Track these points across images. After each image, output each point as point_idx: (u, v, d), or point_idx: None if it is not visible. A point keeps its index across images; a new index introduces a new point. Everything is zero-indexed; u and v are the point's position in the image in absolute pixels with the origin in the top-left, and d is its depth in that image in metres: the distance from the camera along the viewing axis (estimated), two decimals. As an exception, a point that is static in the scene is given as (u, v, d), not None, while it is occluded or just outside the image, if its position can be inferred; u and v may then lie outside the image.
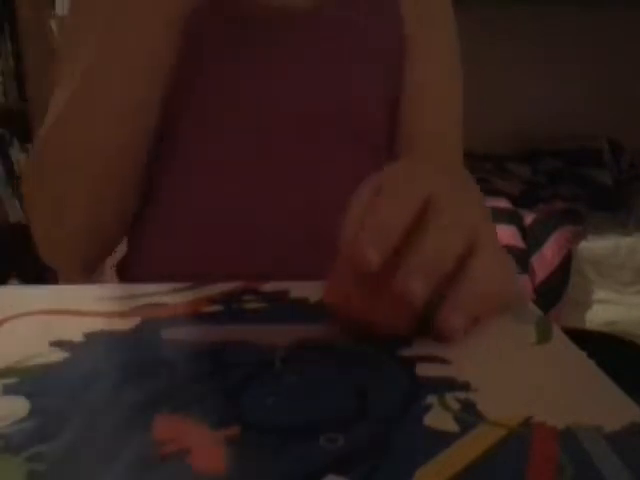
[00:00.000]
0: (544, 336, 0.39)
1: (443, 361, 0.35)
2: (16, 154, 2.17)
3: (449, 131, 0.70)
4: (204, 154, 0.62)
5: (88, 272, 0.66)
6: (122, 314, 0.41)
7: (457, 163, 0.70)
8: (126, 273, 0.67)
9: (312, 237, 0.60)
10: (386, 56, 0.65)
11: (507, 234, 1.82)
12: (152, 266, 0.63)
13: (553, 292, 1.81)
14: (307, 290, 0.46)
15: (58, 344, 0.37)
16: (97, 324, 0.40)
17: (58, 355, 0.35)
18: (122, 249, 0.69)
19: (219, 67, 0.61)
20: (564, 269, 1.82)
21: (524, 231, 1.87)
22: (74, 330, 0.39)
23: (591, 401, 0.32)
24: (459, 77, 0.70)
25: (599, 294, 1.84)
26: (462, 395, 0.32)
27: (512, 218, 1.87)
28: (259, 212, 0.62)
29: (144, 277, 0.57)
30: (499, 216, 1.83)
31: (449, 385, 0.33)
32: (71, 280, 0.61)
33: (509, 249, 1.79)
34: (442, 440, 0.28)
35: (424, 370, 0.34)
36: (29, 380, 0.33)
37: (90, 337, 0.38)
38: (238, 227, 0.61)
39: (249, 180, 0.61)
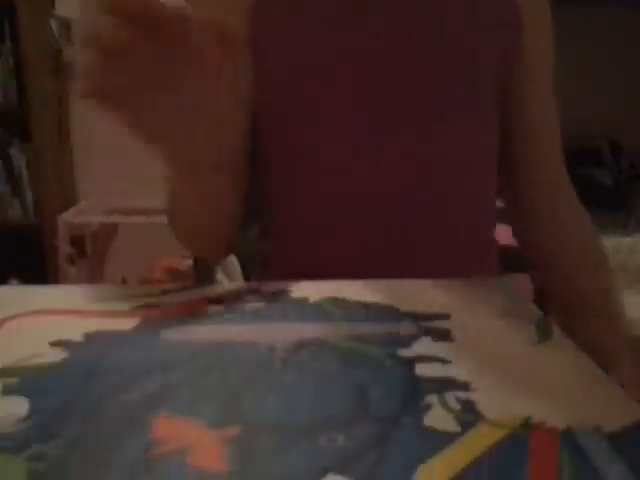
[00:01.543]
0: (544, 336, 0.39)
1: (443, 361, 0.35)
2: (16, 154, 2.17)
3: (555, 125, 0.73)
4: (315, 152, 0.62)
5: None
6: (122, 314, 0.41)
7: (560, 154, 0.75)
8: (267, 272, 0.70)
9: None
10: (501, 26, 0.65)
11: (507, 234, 1.82)
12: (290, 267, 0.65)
13: (553, 292, 1.81)
14: (307, 290, 0.46)
15: (58, 344, 0.37)
16: (97, 324, 0.40)
17: (58, 355, 0.35)
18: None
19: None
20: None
21: (524, 231, 1.87)
22: (74, 330, 0.39)
23: (591, 401, 0.32)
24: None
25: (599, 294, 1.84)
26: (462, 395, 0.32)
27: (512, 218, 1.87)
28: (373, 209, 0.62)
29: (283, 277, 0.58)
30: (499, 216, 1.83)
31: (449, 385, 0.33)
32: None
33: (509, 249, 1.79)
34: (442, 440, 0.28)
35: (424, 370, 0.34)
36: (29, 380, 0.33)
37: (90, 337, 0.38)
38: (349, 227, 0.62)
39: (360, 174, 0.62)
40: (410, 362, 0.35)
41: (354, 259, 0.62)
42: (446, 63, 0.61)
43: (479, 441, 0.28)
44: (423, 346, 0.37)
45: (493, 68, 0.64)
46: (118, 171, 2.41)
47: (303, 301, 0.44)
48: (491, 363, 0.35)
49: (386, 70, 0.61)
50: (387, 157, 0.62)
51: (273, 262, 0.69)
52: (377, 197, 0.62)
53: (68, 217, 2.25)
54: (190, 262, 2.04)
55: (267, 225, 0.69)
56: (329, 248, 0.63)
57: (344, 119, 0.61)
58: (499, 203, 0.78)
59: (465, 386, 0.33)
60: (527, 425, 0.29)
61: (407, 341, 0.38)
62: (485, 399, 0.31)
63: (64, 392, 0.31)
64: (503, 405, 0.31)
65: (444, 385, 0.33)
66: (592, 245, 0.74)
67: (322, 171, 0.62)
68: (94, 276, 2.34)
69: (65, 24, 2.06)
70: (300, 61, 0.61)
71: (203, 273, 1.77)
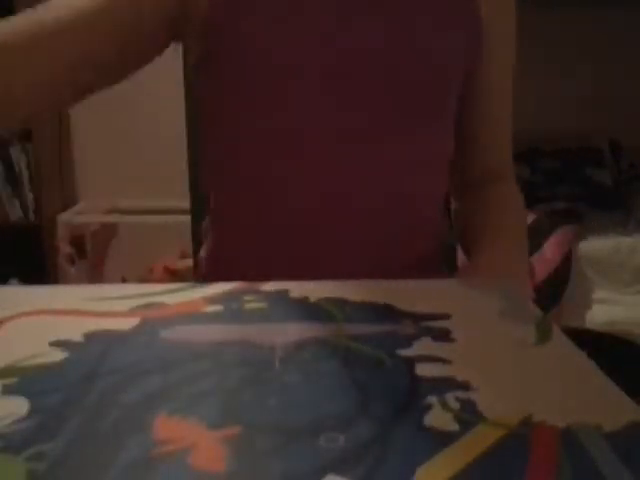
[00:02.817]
0: (544, 336, 0.39)
1: (443, 361, 0.35)
2: (16, 154, 2.17)
3: (507, 126, 0.74)
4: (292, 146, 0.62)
5: None
6: (122, 314, 0.41)
7: (509, 155, 0.75)
8: (214, 270, 0.70)
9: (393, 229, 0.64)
10: (466, 27, 0.65)
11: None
12: (240, 267, 0.65)
13: (553, 292, 1.81)
14: (307, 290, 0.46)
15: (58, 344, 0.37)
16: (97, 324, 0.40)
17: (58, 355, 0.36)
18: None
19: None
20: (564, 269, 1.81)
21: (524, 231, 1.87)
22: (74, 330, 0.39)
23: (591, 401, 0.32)
24: (512, 78, 0.74)
25: (599, 294, 1.84)
26: (462, 395, 0.32)
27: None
28: (348, 209, 0.62)
29: (233, 277, 0.58)
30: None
31: (449, 385, 0.33)
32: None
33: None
34: (442, 440, 0.28)
35: (424, 370, 0.34)
36: (29, 380, 0.33)
37: (90, 337, 0.38)
38: (327, 228, 0.63)
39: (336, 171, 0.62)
40: (410, 362, 0.35)
41: (315, 259, 0.63)
42: (415, 71, 0.62)
43: (479, 441, 0.28)
44: (423, 346, 0.37)
45: (459, 71, 0.65)
46: (118, 171, 2.41)
47: (303, 301, 0.44)
48: (491, 363, 0.35)
49: (364, 72, 0.61)
50: (376, 158, 0.62)
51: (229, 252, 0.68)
52: (358, 197, 0.63)
53: (68, 217, 2.25)
54: (190, 262, 2.04)
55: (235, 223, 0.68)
56: (298, 248, 0.64)
57: (326, 119, 0.61)
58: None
59: (465, 386, 0.33)
60: (527, 425, 0.29)
61: (407, 341, 0.38)
62: (485, 399, 0.31)
63: (64, 392, 0.31)
64: (503, 405, 0.31)
65: (444, 385, 0.33)
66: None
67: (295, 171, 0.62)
68: (94, 276, 2.34)
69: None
70: (285, 60, 0.60)
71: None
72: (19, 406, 0.30)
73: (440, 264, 0.72)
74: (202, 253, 0.73)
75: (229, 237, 0.68)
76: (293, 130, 0.61)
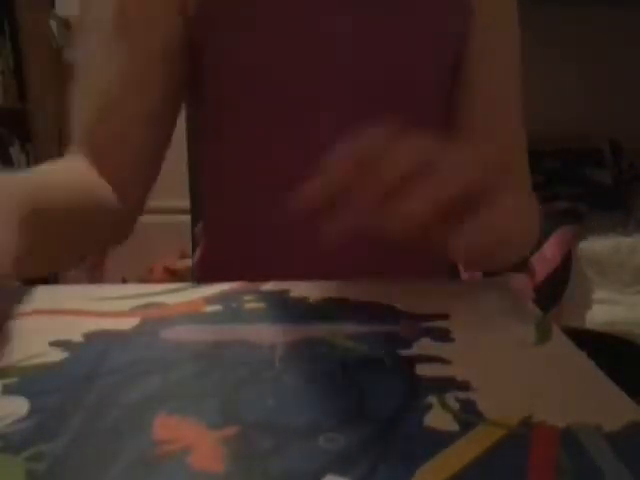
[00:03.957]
0: (544, 336, 0.39)
1: (443, 361, 0.35)
2: (16, 154, 2.17)
3: (501, 132, 0.69)
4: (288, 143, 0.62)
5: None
6: (122, 314, 0.41)
7: (516, 163, 0.69)
8: (206, 274, 0.70)
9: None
10: (436, 24, 0.64)
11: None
12: (234, 267, 0.65)
13: (553, 292, 1.81)
14: (307, 290, 0.46)
15: (58, 344, 0.37)
16: (97, 324, 0.40)
17: (58, 355, 0.35)
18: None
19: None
20: (564, 269, 1.81)
21: (524, 231, 1.87)
22: (74, 330, 0.39)
23: (591, 401, 0.32)
24: (517, 77, 0.69)
25: (599, 294, 1.84)
26: (462, 395, 0.32)
27: (512, 218, 1.87)
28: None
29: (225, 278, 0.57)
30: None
31: (449, 385, 0.33)
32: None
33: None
34: (442, 440, 0.28)
35: (424, 370, 0.34)
36: (29, 380, 0.33)
37: (90, 337, 0.38)
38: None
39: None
40: (410, 362, 0.35)
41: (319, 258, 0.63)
42: (417, 71, 0.62)
43: (479, 441, 0.28)
44: (423, 346, 0.37)
45: (446, 63, 0.64)
46: (118, 171, 2.40)
47: (303, 301, 0.44)
48: (491, 363, 0.35)
49: (354, 66, 0.61)
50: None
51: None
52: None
53: (68, 217, 2.24)
54: (190, 262, 2.04)
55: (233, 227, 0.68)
56: (300, 247, 0.63)
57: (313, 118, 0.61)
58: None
59: (465, 386, 0.33)
60: (527, 424, 0.29)
61: (407, 341, 0.38)
62: (485, 399, 0.31)
63: (64, 392, 0.31)
64: (503, 405, 0.31)
65: (444, 385, 0.33)
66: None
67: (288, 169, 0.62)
68: (94, 276, 2.34)
69: (65, 24, 2.06)
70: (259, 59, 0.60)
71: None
72: (19, 406, 0.30)
73: (441, 264, 0.71)
74: (195, 259, 0.73)
75: (226, 240, 0.68)
76: (293, 136, 0.61)
